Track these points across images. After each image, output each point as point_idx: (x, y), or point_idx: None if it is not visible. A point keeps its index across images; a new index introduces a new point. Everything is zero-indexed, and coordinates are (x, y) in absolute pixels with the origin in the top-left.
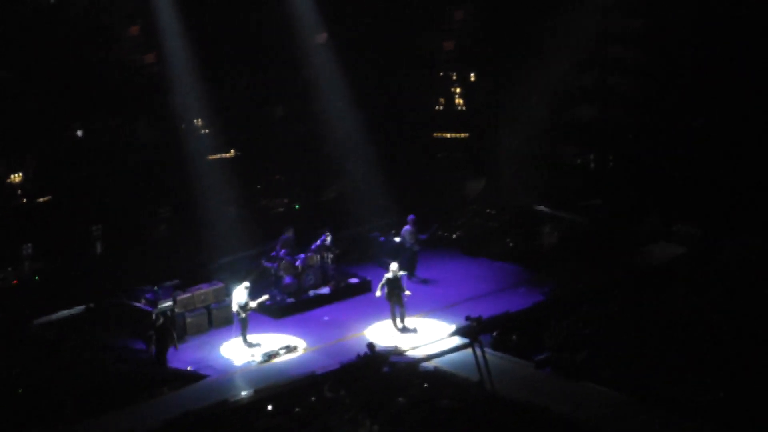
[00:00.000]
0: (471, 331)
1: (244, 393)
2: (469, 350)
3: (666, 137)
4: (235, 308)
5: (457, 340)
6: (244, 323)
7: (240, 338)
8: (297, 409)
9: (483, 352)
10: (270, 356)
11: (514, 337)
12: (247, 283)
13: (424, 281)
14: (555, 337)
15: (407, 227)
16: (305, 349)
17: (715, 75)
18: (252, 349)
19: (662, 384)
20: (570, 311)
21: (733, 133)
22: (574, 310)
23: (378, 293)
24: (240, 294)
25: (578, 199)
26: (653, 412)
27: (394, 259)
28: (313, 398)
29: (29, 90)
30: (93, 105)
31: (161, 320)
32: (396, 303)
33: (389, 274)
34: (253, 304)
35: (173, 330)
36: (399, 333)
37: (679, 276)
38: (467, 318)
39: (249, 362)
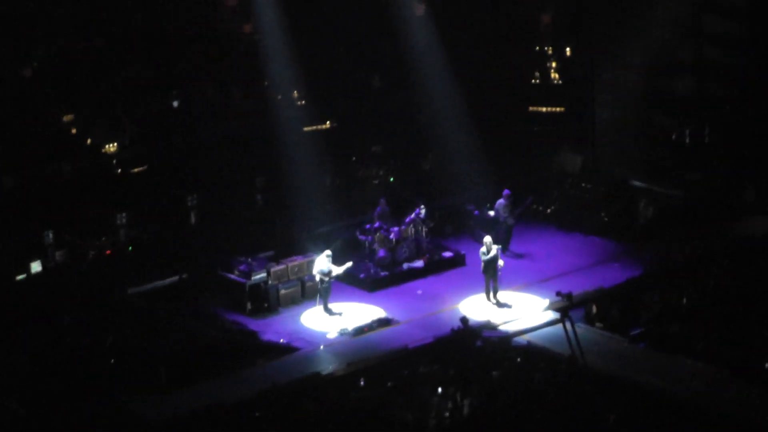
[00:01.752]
0: (561, 307)
1: (336, 366)
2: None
3: (763, 110)
4: (317, 276)
5: (550, 315)
6: (326, 291)
7: (321, 307)
8: (389, 383)
9: (573, 327)
10: (362, 329)
11: (608, 311)
12: (328, 252)
13: (518, 255)
14: (649, 311)
15: (501, 201)
16: (398, 322)
17: None
18: (335, 318)
19: (758, 358)
20: (665, 285)
21: None
22: (669, 285)
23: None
24: (321, 262)
25: (674, 172)
26: (749, 387)
27: (488, 233)
28: (405, 372)
29: (126, 58)
30: (190, 74)
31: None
32: (490, 277)
33: (484, 248)
34: (338, 270)
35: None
36: (492, 307)
37: None
38: (557, 293)
39: (341, 335)
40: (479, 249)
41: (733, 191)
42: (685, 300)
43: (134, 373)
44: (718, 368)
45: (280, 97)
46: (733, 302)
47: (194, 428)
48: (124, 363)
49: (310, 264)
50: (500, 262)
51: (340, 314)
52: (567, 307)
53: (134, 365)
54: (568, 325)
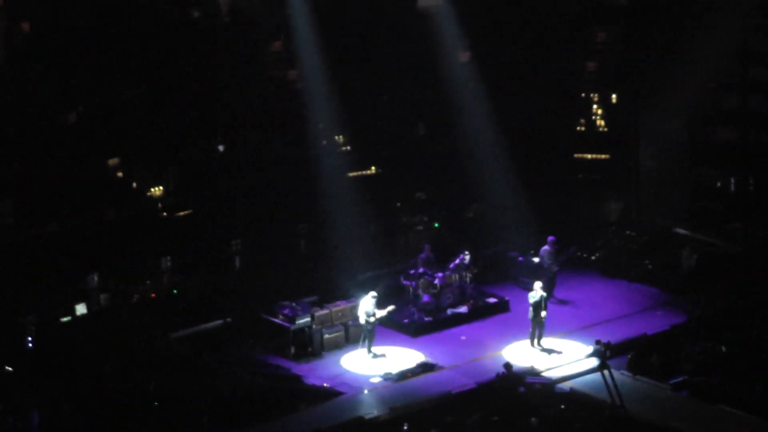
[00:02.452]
0: (599, 356)
1: (379, 411)
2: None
3: None
4: (362, 318)
5: (593, 362)
6: (370, 334)
7: (365, 349)
8: (433, 429)
9: (612, 375)
10: (405, 374)
11: (651, 359)
12: (374, 293)
13: (562, 302)
14: (692, 360)
15: (546, 248)
16: (441, 368)
17: None
18: (379, 365)
19: None
20: (708, 334)
21: None
22: (712, 334)
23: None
24: (367, 303)
25: (718, 222)
26: None
27: (532, 279)
28: (449, 418)
29: (172, 104)
30: (235, 120)
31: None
32: (537, 323)
33: (534, 294)
34: (381, 313)
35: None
36: (536, 353)
37: None
38: (597, 342)
39: (385, 380)
40: (522, 295)
41: None
42: (726, 349)
43: (177, 419)
44: (760, 419)
45: (324, 142)
46: None
47: None
48: (167, 409)
49: (354, 309)
50: (543, 313)
51: (383, 356)
52: (605, 356)
53: (177, 411)
54: (607, 374)
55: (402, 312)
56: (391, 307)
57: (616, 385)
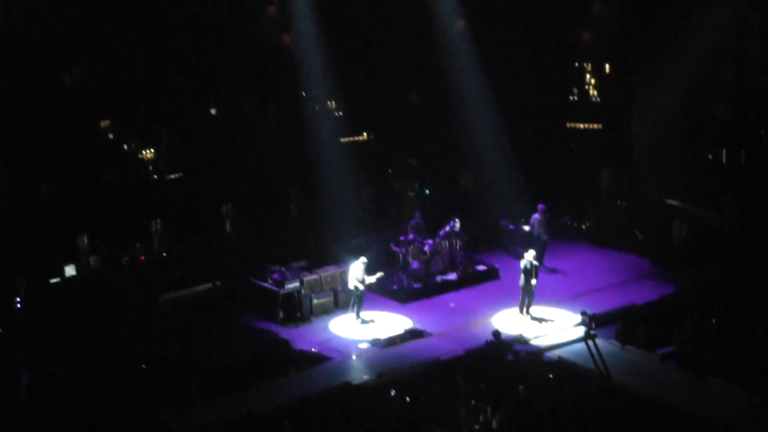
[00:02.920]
0: (583, 327)
1: (367, 377)
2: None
3: None
4: (351, 284)
5: (582, 331)
6: (359, 300)
7: (353, 314)
8: (420, 395)
9: (596, 347)
10: (394, 340)
11: (639, 329)
12: (364, 258)
13: (552, 270)
14: (681, 331)
15: (536, 216)
16: (430, 334)
17: None
18: (368, 330)
19: None
20: (698, 306)
21: None
22: (702, 306)
23: (535, 281)
24: (356, 269)
25: (710, 194)
26: None
27: (522, 248)
28: (436, 385)
29: (167, 68)
30: (229, 84)
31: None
32: (527, 291)
33: (526, 261)
34: (370, 279)
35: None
36: (525, 321)
37: None
38: (582, 313)
39: (373, 346)
40: (512, 263)
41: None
42: (716, 322)
43: (166, 383)
44: (749, 391)
45: (317, 107)
46: (765, 326)
47: None
48: (156, 373)
49: (344, 274)
50: (533, 281)
51: (372, 322)
52: (590, 327)
53: (166, 375)
54: (591, 345)
55: (391, 278)
56: (380, 274)
57: (601, 356)
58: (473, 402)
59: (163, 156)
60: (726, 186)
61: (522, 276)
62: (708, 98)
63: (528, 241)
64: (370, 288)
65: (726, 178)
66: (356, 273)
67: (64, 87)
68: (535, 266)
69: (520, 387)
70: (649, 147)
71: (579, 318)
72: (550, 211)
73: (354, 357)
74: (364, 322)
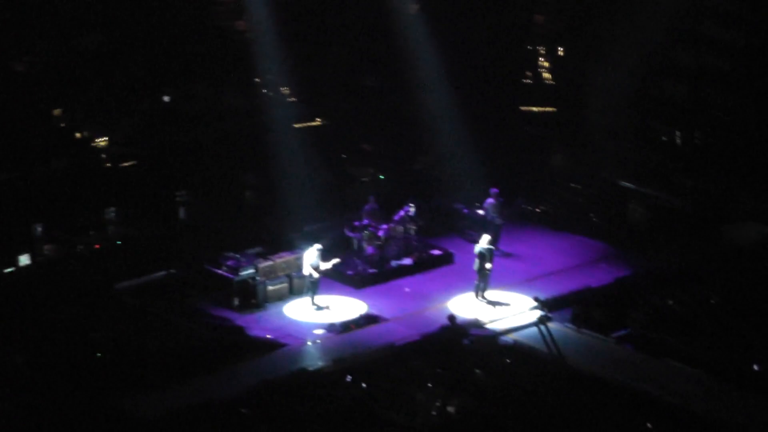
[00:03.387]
0: (537, 313)
1: (323, 363)
2: (550, 324)
3: (757, 116)
4: (306, 270)
5: (539, 313)
6: (314, 286)
7: (309, 301)
8: (376, 381)
9: (549, 332)
10: (349, 326)
11: (594, 312)
12: (319, 245)
13: (507, 254)
14: (637, 314)
15: (490, 200)
16: (385, 320)
17: None
18: (323, 316)
19: (745, 363)
20: (653, 289)
21: None
22: (657, 288)
23: (489, 265)
24: (311, 256)
25: (665, 176)
26: (735, 392)
27: (477, 232)
28: (392, 370)
29: (121, 54)
30: (182, 71)
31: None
32: (482, 276)
33: (481, 246)
34: (325, 265)
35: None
36: (480, 306)
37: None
38: (535, 299)
39: (328, 331)
40: (467, 248)
41: (725, 196)
42: (672, 304)
43: (122, 370)
44: (705, 372)
45: (271, 93)
46: (721, 308)
47: (182, 425)
48: (113, 360)
49: (298, 260)
50: (488, 265)
51: (327, 308)
52: (543, 312)
53: (122, 362)
54: (544, 330)
55: (346, 263)
56: (335, 260)
57: (554, 340)
58: (430, 387)
59: (117, 143)
60: (682, 167)
61: (476, 260)
62: (662, 78)
63: (482, 226)
64: (325, 274)
65: (681, 159)
66: (311, 260)
67: (16, 75)
68: (490, 250)
69: (477, 371)
70: (604, 129)
71: (534, 302)
72: (505, 195)
73: (309, 343)
74: (319, 308)
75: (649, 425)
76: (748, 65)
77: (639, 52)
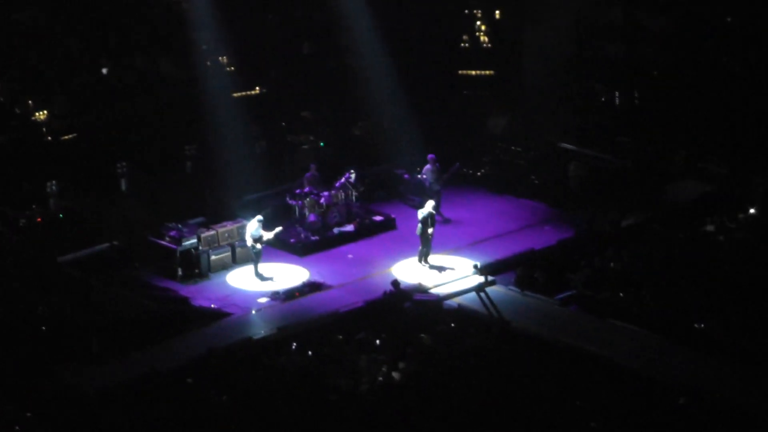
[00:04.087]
0: (478, 280)
1: (268, 331)
2: (494, 288)
3: (693, 75)
4: (249, 241)
5: (480, 279)
6: (257, 256)
7: (253, 272)
8: (321, 348)
9: (489, 298)
10: (293, 294)
11: (538, 274)
12: (260, 216)
13: (448, 220)
14: (581, 275)
15: (428, 166)
16: (329, 287)
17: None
18: (267, 284)
19: (687, 321)
20: (595, 249)
21: (761, 69)
22: (599, 249)
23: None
24: (252, 227)
25: (604, 136)
26: (679, 350)
27: (418, 197)
28: (338, 336)
29: (56, 27)
30: (119, 43)
31: None
32: (424, 241)
33: (423, 211)
34: (268, 235)
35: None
36: (424, 271)
37: (706, 214)
38: (474, 266)
39: (273, 300)
40: (409, 213)
41: (663, 155)
42: (615, 264)
43: (66, 342)
44: (648, 332)
45: (209, 63)
46: (663, 266)
47: (128, 397)
48: (56, 333)
49: (241, 229)
50: (429, 230)
51: (271, 279)
52: (483, 278)
53: (66, 335)
54: (483, 296)
55: (289, 232)
56: (278, 229)
57: (495, 305)
58: (375, 352)
59: (57, 117)
60: (621, 127)
61: (419, 225)
62: (598, 39)
63: (422, 191)
64: (268, 243)
65: (620, 119)
66: (252, 230)
67: None
68: (432, 215)
69: (422, 335)
70: (542, 91)
71: (478, 263)
72: (445, 160)
73: (254, 312)
74: (263, 278)
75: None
76: (682, 22)
77: (575, 13)
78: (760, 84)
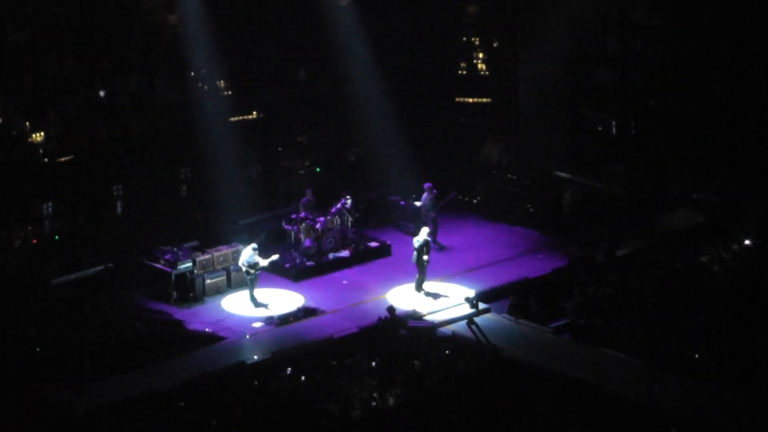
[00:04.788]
0: (470, 311)
1: (262, 355)
2: (488, 316)
3: (687, 104)
4: (243, 268)
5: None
6: (252, 282)
7: (248, 297)
8: (314, 374)
9: (480, 331)
10: (288, 318)
11: (531, 302)
12: (254, 245)
13: (443, 248)
14: (574, 303)
15: (425, 195)
16: (324, 312)
17: (738, 41)
18: (261, 309)
19: (681, 350)
20: (589, 278)
21: (754, 99)
22: (593, 277)
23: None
24: (246, 254)
25: (599, 164)
26: (673, 379)
27: (413, 223)
28: (331, 362)
29: (52, 48)
30: (115, 65)
31: None
32: (420, 267)
33: (419, 238)
34: (264, 262)
35: None
36: (418, 297)
37: (700, 243)
38: (466, 299)
39: (267, 324)
40: (404, 239)
41: (658, 184)
42: (608, 292)
43: (59, 364)
44: (642, 360)
45: (205, 87)
46: (656, 295)
47: (119, 418)
48: (49, 354)
49: (236, 254)
50: (425, 257)
51: (266, 305)
52: (473, 311)
53: (59, 356)
54: (475, 329)
55: (284, 257)
56: (274, 257)
57: (485, 337)
58: (368, 379)
59: (52, 138)
60: (615, 155)
61: (414, 253)
62: (593, 67)
63: (417, 217)
64: (263, 269)
65: (615, 147)
66: (246, 257)
67: None
68: (427, 242)
69: (416, 362)
70: (538, 118)
71: (472, 293)
72: (440, 186)
73: (248, 336)
74: (258, 304)
75: (586, 413)
76: (676, 51)
77: (570, 42)
78: (755, 114)
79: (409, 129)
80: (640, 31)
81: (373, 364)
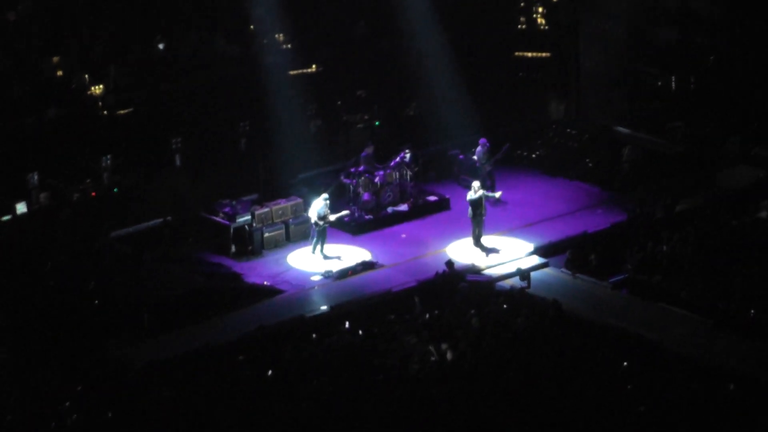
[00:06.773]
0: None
1: (320, 309)
2: (546, 270)
3: (747, 60)
4: (313, 219)
5: (535, 260)
6: (321, 235)
7: (316, 250)
8: (373, 327)
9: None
10: (347, 272)
11: (590, 257)
12: (326, 195)
13: (498, 201)
14: (632, 258)
15: (479, 149)
16: (382, 266)
17: None
18: (327, 263)
19: (740, 309)
20: (649, 233)
21: None
22: (652, 233)
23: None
24: (318, 205)
25: (659, 120)
26: (730, 337)
27: (472, 178)
28: (390, 316)
29: (113, 3)
30: (175, 18)
31: None
32: (476, 222)
33: (473, 193)
34: (332, 217)
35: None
36: (477, 251)
37: (760, 199)
38: (517, 270)
39: (325, 278)
40: (463, 194)
41: (718, 141)
42: (667, 249)
43: (117, 318)
44: (700, 318)
45: (265, 41)
46: (716, 252)
47: (177, 373)
48: (107, 308)
49: (295, 207)
50: (481, 211)
51: (336, 258)
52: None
53: (117, 311)
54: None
55: (342, 210)
56: (344, 212)
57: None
58: (426, 333)
59: (112, 91)
60: (675, 112)
61: (470, 208)
62: (654, 24)
63: (475, 172)
64: (331, 224)
65: (675, 104)
66: (318, 209)
67: (9, 24)
68: (483, 197)
69: (474, 317)
70: (597, 75)
71: (531, 247)
72: (499, 141)
73: (306, 290)
74: (326, 258)
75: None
76: (736, 8)
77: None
78: None
79: (468, 83)
80: None
81: (431, 318)
